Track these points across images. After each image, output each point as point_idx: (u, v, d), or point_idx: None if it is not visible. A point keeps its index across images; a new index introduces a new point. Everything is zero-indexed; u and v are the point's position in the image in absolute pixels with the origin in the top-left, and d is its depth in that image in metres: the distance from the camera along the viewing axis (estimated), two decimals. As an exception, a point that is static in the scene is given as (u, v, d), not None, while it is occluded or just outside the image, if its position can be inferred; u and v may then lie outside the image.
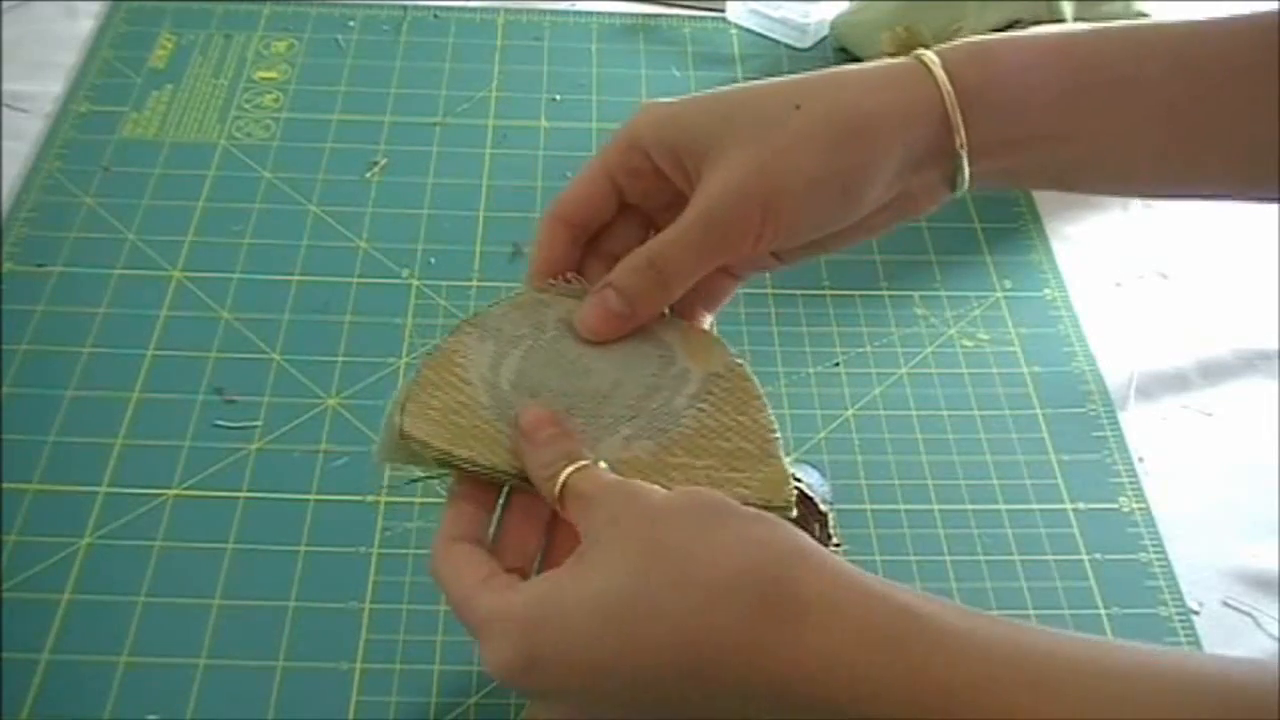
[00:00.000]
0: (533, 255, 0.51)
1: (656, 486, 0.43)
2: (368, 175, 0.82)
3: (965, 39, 0.50)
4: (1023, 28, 0.84)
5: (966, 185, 0.49)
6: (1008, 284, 0.78)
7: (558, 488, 0.44)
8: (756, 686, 0.38)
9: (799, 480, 0.60)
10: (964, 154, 0.48)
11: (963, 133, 0.48)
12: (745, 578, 0.38)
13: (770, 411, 0.49)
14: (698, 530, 0.40)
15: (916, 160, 0.48)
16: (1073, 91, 0.48)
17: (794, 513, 0.46)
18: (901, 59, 0.49)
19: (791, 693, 0.37)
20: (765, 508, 0.44)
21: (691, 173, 0.48)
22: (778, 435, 0.48)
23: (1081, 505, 0.67)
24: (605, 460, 0.46)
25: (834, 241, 0.51)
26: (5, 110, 0.85)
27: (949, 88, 0.48)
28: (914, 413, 0.70)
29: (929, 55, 0.48)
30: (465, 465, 0.47)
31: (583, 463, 0.44)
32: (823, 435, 0.69)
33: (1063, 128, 0.48)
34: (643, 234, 0.51)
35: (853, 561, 0.62)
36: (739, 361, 0.50)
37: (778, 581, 0.38)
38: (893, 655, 0.37)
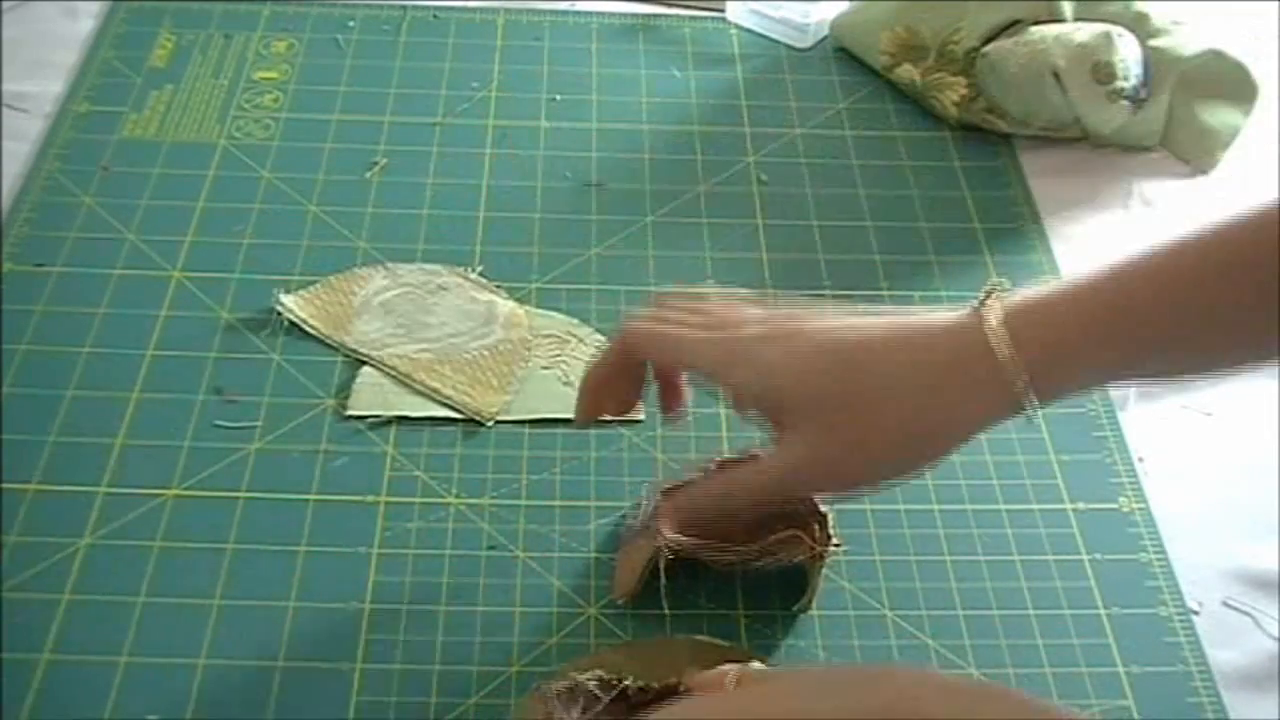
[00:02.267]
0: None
1: None
2: (368, 175, 0.82)
3: (1016, 295, 0.52)
4: (1023, 28, 0.85)
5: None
6: (1008, 284, 0.78)
7: None
8: None
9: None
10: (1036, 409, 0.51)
11: (1034, 402, 0.50)
12: None
13: (527, 366, 0.70)
14: None
15: (990, 425, 0.52)
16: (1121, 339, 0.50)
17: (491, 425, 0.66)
18: (961, 319, 0.52)
19: None
20: (476, 416, 0.67)
21: (776, 422, 0.53)
22: (518, 385, 0.69)
23: (1081, 505, 0.67)
24: (396, 355, 0.69)
25: None
26: (5, 110, 0.85)
27: (1023, 379, 0.50)
28: (914, 413, 0.70)
29: (992, 326, 0.50)
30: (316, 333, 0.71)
31: None
32: (823, 435, 0.69)
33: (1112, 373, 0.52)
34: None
35: (852, 561, 0.63)
36: (540, 335, 0.71)
37: None
38: None
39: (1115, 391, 0.72)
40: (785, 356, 0.52)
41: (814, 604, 0.60)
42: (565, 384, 0.70)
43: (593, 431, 0.68)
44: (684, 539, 0.58)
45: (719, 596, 0.61)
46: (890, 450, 0.52)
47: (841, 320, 0.53)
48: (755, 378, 0.52)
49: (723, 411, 0.69)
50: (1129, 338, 0.50)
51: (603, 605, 0.61)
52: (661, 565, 0.57)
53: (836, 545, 0.59)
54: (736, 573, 0.61)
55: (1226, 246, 0.50)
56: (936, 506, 0.66)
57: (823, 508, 0.59)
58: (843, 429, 0.51)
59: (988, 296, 0.52)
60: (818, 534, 0.58)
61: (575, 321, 0.74)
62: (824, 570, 0.60)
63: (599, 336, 0.73)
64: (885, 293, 0.77)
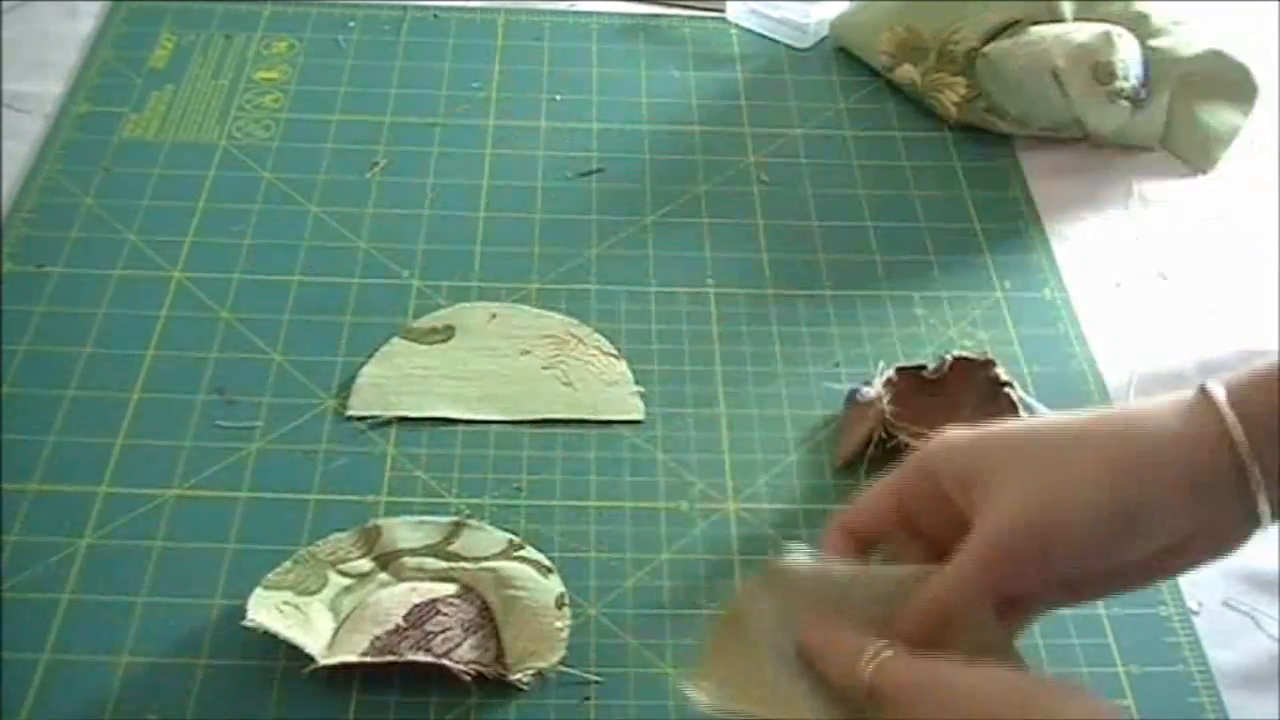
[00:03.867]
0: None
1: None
2: (368, 175, 0.82)
3: (1249, 367, 0.49)
4: (1023, 28, 0.85)
5: (1272, 516, 0.47)
6: (1008, 284, 0.78)
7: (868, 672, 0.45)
8: None
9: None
10: (1260, 482, 0.46)
11: (1251, 461, 0.46)
12: None
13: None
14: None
15: (1207, 490, 0.46)
16: None
17: None
18: (1187, 396, 0.48)
19: None
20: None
21: (976, 503, 0.48)
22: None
23: (1081, 505, 0.66)
24: None
25: (1136, 576, 0.50)
26: (5, 110, 0.85)
27: (1231, 415, 0.46)
28: (914, 413, 0.70)
29: (1212, 384, 0.47)
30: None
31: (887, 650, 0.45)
32: (822, 436, 0.69)
33: None
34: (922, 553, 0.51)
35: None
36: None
37: None
38: None
39: (1115, 391, 0.72)
40: (985, 431, 0.49)
41: None
42: (565, 384, 0.70)
43: (592, 431, 0.68)
44: (901, 423, 0.65)
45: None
46: (1097, 482, 0.46)
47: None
48: (954, 448, 0.49)
49: (723, 411, 0.69)
50: None
51: (603, 606, 0.61)
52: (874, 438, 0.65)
53: None
54: None
55: None
56: (936, 506, 0.66)
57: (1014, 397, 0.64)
58: (1044, 468, 0.47)
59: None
60: None
61: (575, 321, 0.74)
62: None
63: (599, 336, 0.73)
64: (885, 293, 0.77)
